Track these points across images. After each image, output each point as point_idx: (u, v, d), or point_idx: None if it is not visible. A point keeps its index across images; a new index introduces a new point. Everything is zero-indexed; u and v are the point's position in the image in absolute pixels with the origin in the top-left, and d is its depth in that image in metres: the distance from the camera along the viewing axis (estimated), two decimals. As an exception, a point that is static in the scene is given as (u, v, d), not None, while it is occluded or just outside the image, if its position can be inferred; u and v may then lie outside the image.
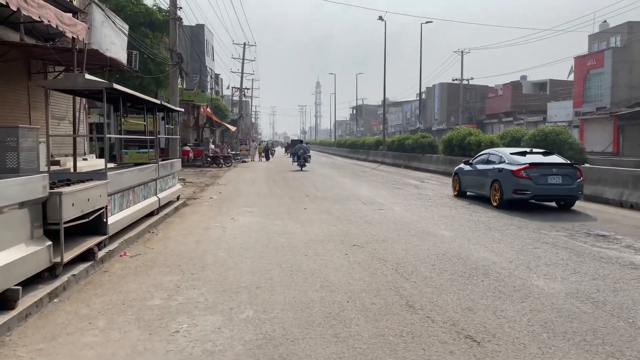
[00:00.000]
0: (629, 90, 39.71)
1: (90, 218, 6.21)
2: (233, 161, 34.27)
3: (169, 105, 10.54)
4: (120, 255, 7.06)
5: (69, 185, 5.93)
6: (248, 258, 7.00)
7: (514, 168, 11.77)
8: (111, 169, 9.12)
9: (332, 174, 25.57)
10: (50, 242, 5.26)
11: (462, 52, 60.30)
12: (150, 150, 23.64)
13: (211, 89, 50.55)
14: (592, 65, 43.55)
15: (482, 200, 13.55)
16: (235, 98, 60.52)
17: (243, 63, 50.81)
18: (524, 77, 65.19)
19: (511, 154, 12.64)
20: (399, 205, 12.80)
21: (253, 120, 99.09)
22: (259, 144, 56.98)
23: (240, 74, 51.45)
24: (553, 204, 12.79)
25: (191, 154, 32.14)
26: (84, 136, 8.05)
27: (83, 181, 6.44)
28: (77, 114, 11.77)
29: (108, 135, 7.58)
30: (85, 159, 18.22)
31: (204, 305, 5.01)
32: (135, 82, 17.50)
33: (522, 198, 11.73)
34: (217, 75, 62.10)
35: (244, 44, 51.21)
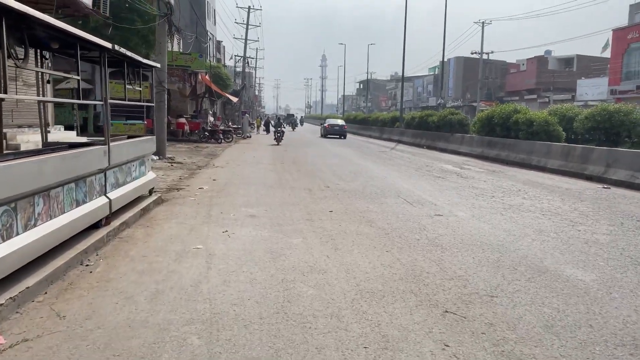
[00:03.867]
0: (677, 67, 35.63)
1: None
2: (234, 136, 30.47)
3: (129, 54, 6.69)
4: (-18, 344, 3.41)
5: None
6: None
7: (326, 125, 39.71)
8: (23, 153, 5.45)
9: (348, 154, 21.83)
10: None
11: (482, 22, 55.70)
12: (138, 122, 19.30)
13: (212, 56, 46.28)
14: (633, 38, 39.28)
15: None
16: (238, 68, 56.17)
17: (247, 28, 46.37)
18: (548, 52, 60.49)
19: (328, 121, 41.49)
20: (460, 209, 9.11)
21: (257, 93, 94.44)
22: (258, 117, 54.43)
23: (244, 41, 47.07)
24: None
25: (186, 127, 28.37)
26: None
27: None
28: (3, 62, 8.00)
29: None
30: (49, 132, 14.53)
31: None
32: (105, 32, 13.56)
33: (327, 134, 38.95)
34: (219, 43, 57.61)
35: (249, 7, 46.69)
